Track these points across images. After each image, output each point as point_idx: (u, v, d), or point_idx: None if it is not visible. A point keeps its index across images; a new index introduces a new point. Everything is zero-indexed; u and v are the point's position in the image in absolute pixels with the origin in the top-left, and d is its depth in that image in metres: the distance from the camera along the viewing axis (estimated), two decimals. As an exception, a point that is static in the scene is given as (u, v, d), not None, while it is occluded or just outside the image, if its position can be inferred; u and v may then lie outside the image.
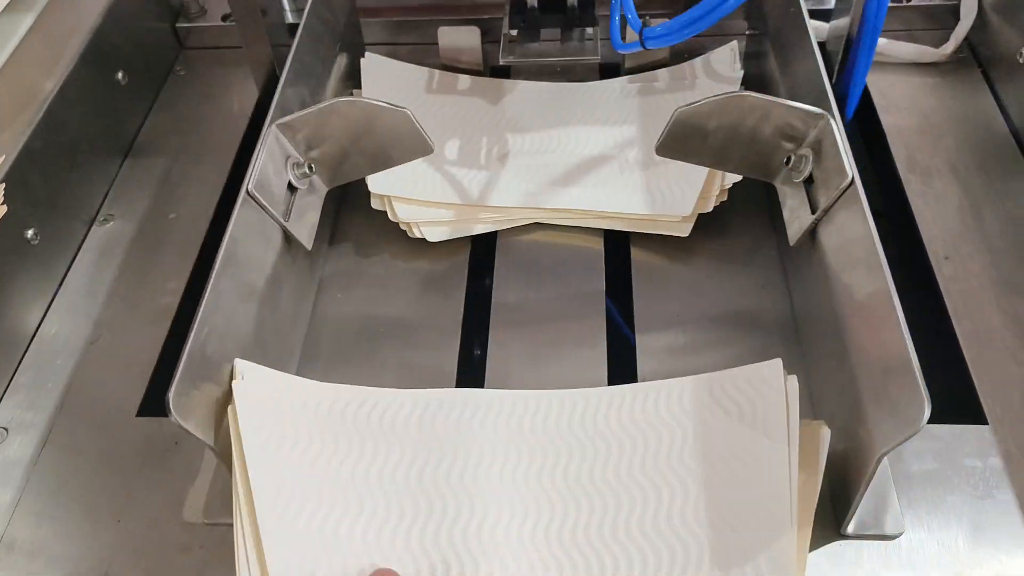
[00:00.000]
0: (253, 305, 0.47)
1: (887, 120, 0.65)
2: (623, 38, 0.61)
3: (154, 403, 0.52)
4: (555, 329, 0.54)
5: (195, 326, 0.42)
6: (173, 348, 0.55)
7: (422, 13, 0.74)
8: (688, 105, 0.48)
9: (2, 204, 0.51)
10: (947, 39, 0.69)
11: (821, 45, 0.57)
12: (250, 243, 0.48)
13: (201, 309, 0.42)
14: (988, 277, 0.54)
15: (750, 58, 0.67)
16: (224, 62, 0.76)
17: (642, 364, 0.52)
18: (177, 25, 0.76)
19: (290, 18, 0.75)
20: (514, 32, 0.61)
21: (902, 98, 0.67)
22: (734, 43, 0.66)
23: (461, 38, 0.68)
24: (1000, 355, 0.50)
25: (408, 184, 0.59)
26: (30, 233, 0.56)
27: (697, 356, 0.52)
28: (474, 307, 0.56)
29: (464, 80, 0.68)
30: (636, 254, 0.59)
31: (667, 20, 0.53)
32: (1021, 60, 0.62)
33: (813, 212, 0.48)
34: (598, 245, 0.59)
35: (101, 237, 0.62)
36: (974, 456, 0.46)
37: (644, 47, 0.54)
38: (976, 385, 0.49)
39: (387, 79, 0.67)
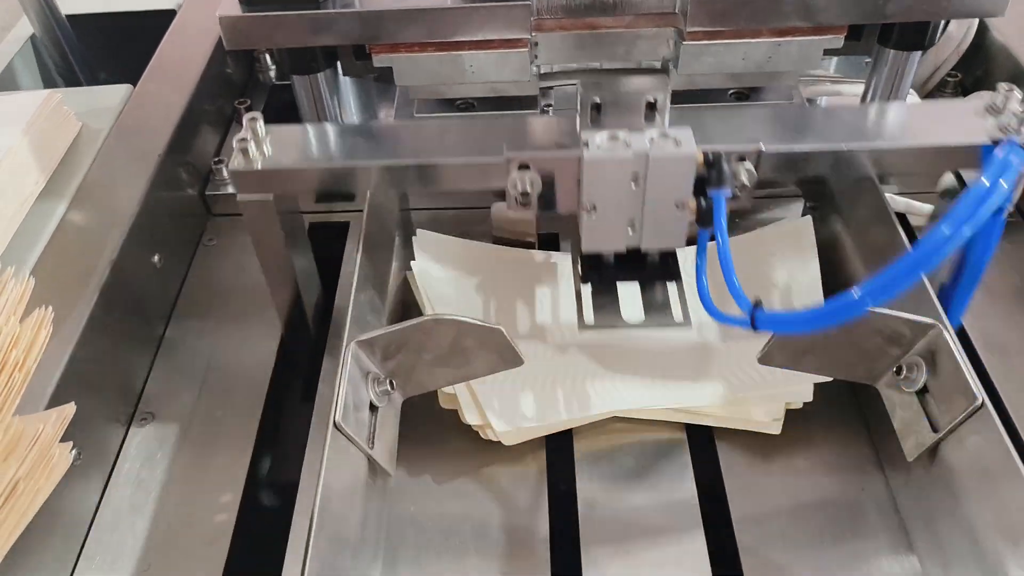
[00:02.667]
0: (347, 555, 0.43)
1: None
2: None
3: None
4: (651, 543, 0.51)
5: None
6: (235, 577, 0.50)
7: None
8: (797, 318, 0.47)
9: (68, 456, 0.47)
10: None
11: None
12: (341, 485, 0.44)
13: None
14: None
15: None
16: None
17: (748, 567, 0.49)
18: (206, 193, 0.73)
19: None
20: (588, 287, 0.56)
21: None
22: (808, 221, 0.64)
23: (515, 212, 0.66)
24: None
25: (491, 393, 0.56)
26: (72, 454, 0.51)
27: (805, 559, 0.49)
28: (560, 521, 0.53)
29: (519, 256, 0.66)
30: (722, 449, 0.56)
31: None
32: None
33: (934, 429, 0.46)
34: (681, 437, 0.56)
35: (142, 439, 0.57)
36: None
37: (755, 329, 0.47)
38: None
39: (441, 257, 0.64)
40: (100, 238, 0.59)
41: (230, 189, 0.73)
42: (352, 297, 0.51)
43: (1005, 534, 0.42)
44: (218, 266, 0.70)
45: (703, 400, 0.56)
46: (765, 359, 0.49)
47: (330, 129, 0.56)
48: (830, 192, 0.63)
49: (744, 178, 0.49)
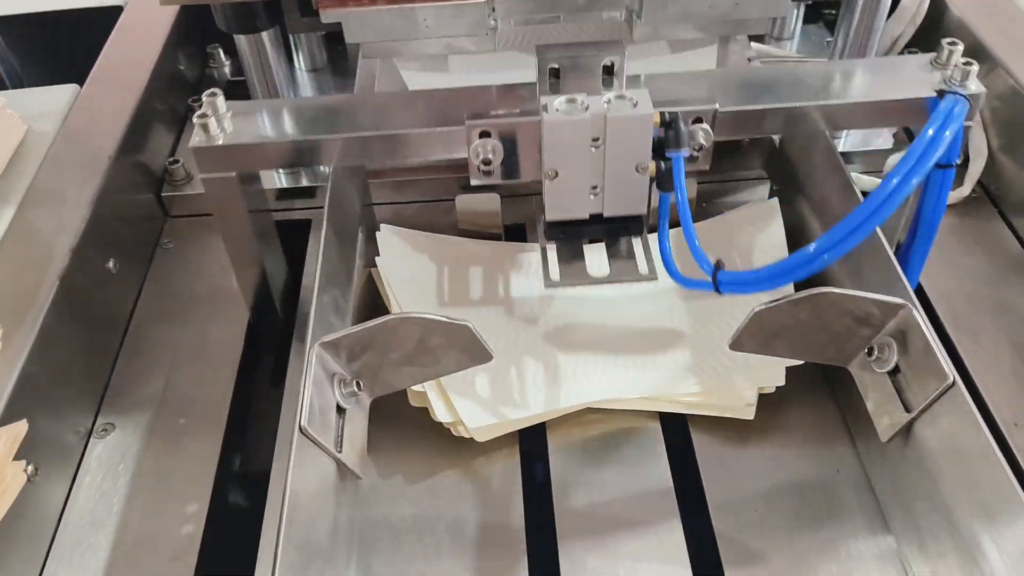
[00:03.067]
0: (318, 563, 0.42)
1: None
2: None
3: None
4: (628, 533, 0.50)
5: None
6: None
7: (429, 172, 0.71)
8: (766, 305, 0.46)
9: (24, 474, 0.45)
10: (956, 181, 0.70)
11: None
12: (308, 491, 0.43)
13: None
14: (1065, 447, 0.53)
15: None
16: (212, 229, 0.70)
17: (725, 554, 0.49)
18: (162, 194, 0.71)
19: (283, 181, 0.71)
20: (553, 245, 0.56)
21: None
22: (775, 203, 0.64)
23: (480, 204, 0.65)
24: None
25: (461, 389, 0.54)
26: (29, 469, 0.49)
27: (781, 551, 0.49)
28: (535, 515, 0.52)
29: (486, 247, 0.65)
30: (696, 437, 0.55)
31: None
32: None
33: (907, 409, 0.46)
34: (655, 426, 0.56)
35: (102, 451, 0.56)
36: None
37: (718, 291, 0.48)
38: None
39: (406, 251, 0.63)
40: (50, 245, 0.57)
41: (187, 190, 0.71)
42: (315, 297, 0.49)
43: (979, 512, 0.42)
44: (177, 269, 0.68)
45: (675, 388, 0.55)
46: (736, 345, 0.49)
47: (291, 103, 0.55)
48: (795, 173, 0.63)
49: (701, 138, 0.50)
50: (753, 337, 0.48)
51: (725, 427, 0.55)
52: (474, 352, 0.48)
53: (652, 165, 0.49)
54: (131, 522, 0.52)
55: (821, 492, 0.52)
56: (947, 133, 0.42)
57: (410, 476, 0.54)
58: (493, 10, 0.55)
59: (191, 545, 0.50)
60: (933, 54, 0.53)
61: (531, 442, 0.56)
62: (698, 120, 0.50)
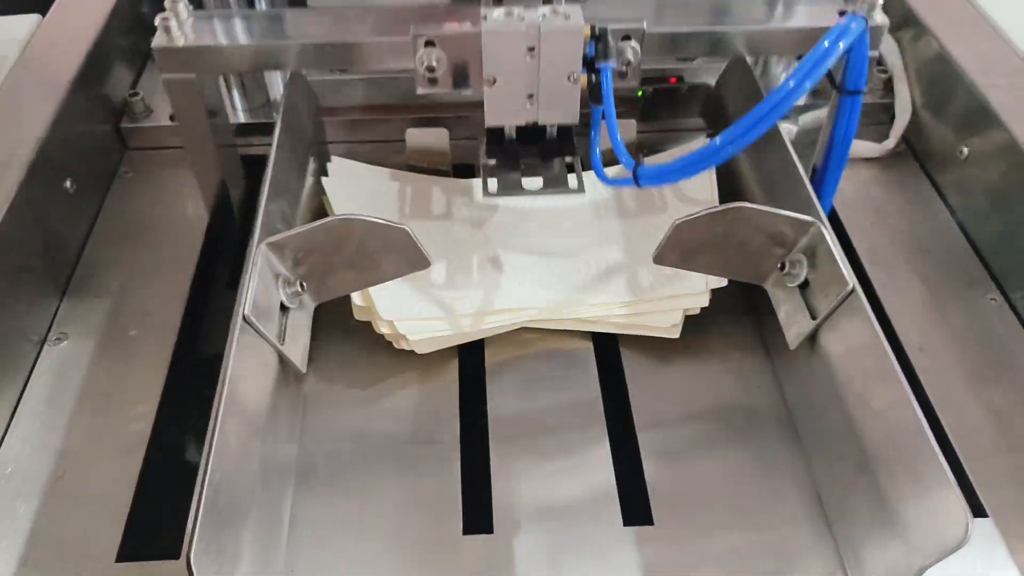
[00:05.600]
0: (256, 442, 0.45)
1: (844, 214, 0.68)
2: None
3: (136, 545, 0.48)
4: (556, 441, 0.54)
5: (207, 476, 0.39)
6: (152, 481, 0.51)
7: (382, 112, 0.73)
8: (686, 218, 0.49)
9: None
10: (882, 135, 0.74)
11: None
12: (249, 376, 0.45)
13: (211, 456, 0.39)
14: (962, 368, 0.57)
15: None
16: (171, 163, 0.72)
17: (648, 467, 0.52)
18: (121, 126, 0.73)
19: (242, 118, 0.73)
20: (492, 161, 0.60)
21: (854, 192, 0.70)
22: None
23: (429, 139, 0.68)
24: (987, 447, 0.52)
25: (397, 299, 0.57)
26: (-19, 366, 0.51)
27: (700, 457, 0.52)
28: (470, 422, 0.55)
29: (433, 181, 0.68)
30: (626, 355, 0.59)
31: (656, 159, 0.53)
32: (962, 157, 0.67)
33: (813, 317, 0.50)
34: (587, 345, 0.59)
35: (55, 358, 0.58)
36: (980, 546, 0.48)
37: (639, 185, 0.53)
38: (971, 479, 0.50)
39: (355, 182, 0.66)
40: (5, 162, 0.59)
41: (146, 123, 0.73)
42: (262, 207, 0.52)
43: (874, 417, 0.45)
44: (135, 196, 0.70)
45: (606, 297, 0.58)
46: (659, 259, 0.52)
47: (250, 13, 0.60)
48: (727, 117, 0.66)
49: (630, 55, 0.53)
50: (675, 250, 0.51)
51: (653, 346, 0.58)
52: (412, 257, 0.50)
53: (584, 78, 0.52)
54: (82, 422, 0.54)
55: (739, 405, 0.56)
56: (840, 44, 0.46)
57: (353, 385, 0.56)
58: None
59: (140, 441, 0.53)
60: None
61: (469, 357, 0.59)
62: (627, 38, 0.53)
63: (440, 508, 0.50)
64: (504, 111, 0.55)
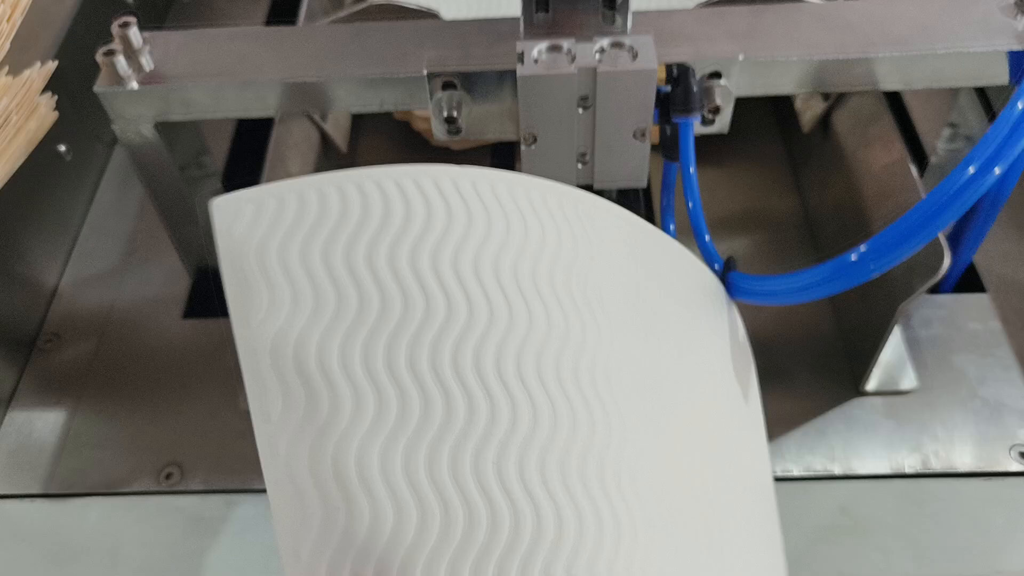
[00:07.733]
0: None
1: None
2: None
3: (198, 306, 0.54)
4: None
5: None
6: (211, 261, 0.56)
7: None
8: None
9: (54, 111, 0.51)
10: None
11: None
12: (292, 143, 0.49)
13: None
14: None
15: None
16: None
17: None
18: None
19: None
20: None
21: None
22: None
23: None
24: (992, 229, 0.54)
25: None
26: (63, 148, 0.57)
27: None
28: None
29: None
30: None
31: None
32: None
33: (825, 99, 0.51)
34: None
35: (122, 158, 0.63)
36: (975, 320, 0.50)
37: (731, 297, 0.39)
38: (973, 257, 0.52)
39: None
40: None
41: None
42: None
43: (875, 185, 0.48)
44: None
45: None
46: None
47: (224, 35, 0.44)
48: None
49: (719, 99, 0.39)
50: None
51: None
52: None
53: (655, 129, 0.40)
54: (149, 210, 0.59)
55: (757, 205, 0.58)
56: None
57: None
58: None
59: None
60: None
61: (501, 155, 0.62)
62: (715, 75, 0.39)
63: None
64: (548, 175, 0.33)
